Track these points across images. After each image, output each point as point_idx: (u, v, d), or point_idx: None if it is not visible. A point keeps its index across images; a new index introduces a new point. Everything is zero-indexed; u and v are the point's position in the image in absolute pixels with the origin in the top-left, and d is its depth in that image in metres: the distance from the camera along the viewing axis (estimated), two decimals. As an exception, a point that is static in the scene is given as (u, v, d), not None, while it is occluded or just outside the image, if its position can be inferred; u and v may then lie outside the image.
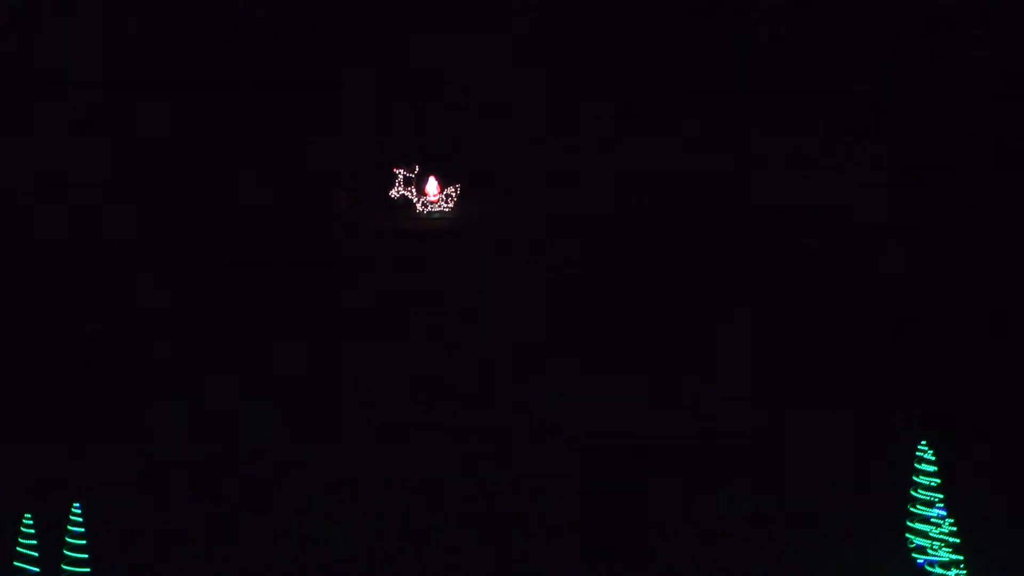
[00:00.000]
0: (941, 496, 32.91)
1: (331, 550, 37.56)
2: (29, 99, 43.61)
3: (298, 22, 44.11)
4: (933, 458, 33.02)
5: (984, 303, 39.16)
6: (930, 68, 41.41)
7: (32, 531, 34.52)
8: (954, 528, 32.78)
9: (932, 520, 32.94)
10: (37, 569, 34.50)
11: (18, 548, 34.50)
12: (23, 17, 43.78)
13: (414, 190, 43.46)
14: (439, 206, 43.44)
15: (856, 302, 39.99)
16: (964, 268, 39.78)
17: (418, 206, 43.47)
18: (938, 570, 32.74)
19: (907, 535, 33.23)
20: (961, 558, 32.66)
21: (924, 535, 32.97)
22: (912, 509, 33.14)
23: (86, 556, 34.37)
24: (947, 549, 32.77)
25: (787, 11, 42.72)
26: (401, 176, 43.40)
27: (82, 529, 34.28)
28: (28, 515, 34.54)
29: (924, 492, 33.08)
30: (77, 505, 34.35)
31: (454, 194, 43.44)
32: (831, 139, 41.95)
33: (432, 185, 43.50)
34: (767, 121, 42.23)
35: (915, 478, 33.20)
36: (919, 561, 33.09)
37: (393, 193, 43.50)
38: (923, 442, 33.24)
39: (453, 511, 38.21)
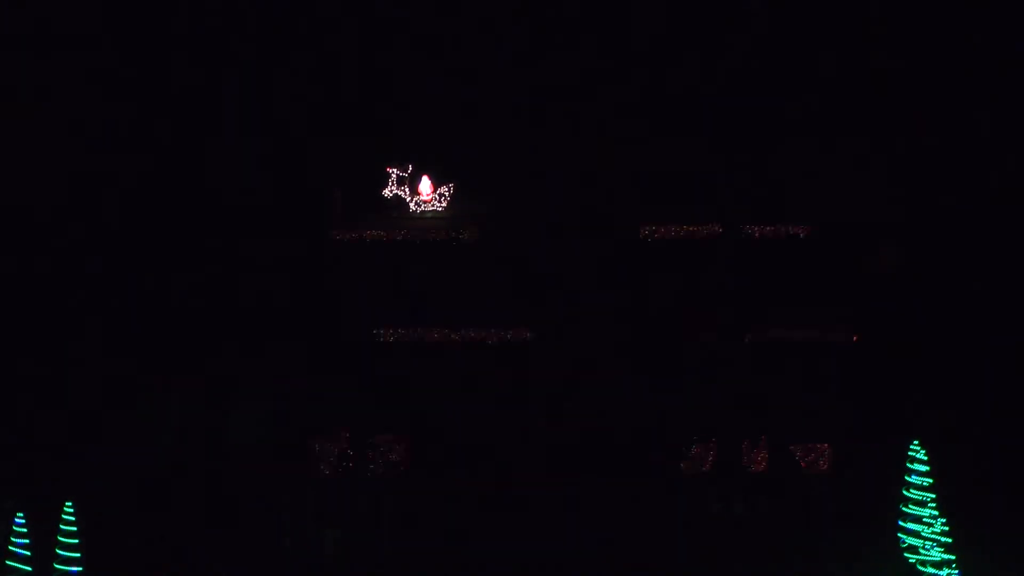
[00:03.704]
0: (933, 496, 32.90)
1: (323, 551, 37.53)
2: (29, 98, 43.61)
3: (291, 20, 44.07)
4: (925, 457, 33.02)
5: (976, 302, 39.19)
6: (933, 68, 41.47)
7: (24, 530, 34.45)
8: (946, 528, 32.77)
9: (924, 520, 32.93)
10: (29, 568, 34.43)
11: (10, 547, 34.42)
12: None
13: (407, 189, 43.39)
14: (432, 206, 43.36)
15: (849, 301, 40.02)
16: (956, 267, 39.80)
17: (411, 206, 43.39)
18: (930, 570, 32.74)
19: (899, 535, 33.21)
20: (953, 558, 32.66)
21: (916, 535, 32.96)
22: (904, 509, 33.14)
23: (79, 555, 34.31)
24: (939, 549, 32.77)
25: (786, 10, 42.72)
26: (394, 175, 43.32)
27: (75, 528, 34.20)
28: (20, 514, 34.47)
29: (916, 492, 33.06)
30: (69, 504, 34.28)
31: (447, 194, 43.37)
32: (830, 139, 42.01)
33: (425, 184, 43.42)
34: (766, 121, 42.24)
35: (907, 478, 33.19)
36: (910, 560, 33.10)
37: (386, 193, 43.41)
38: (915, 441, 33.24)
39: (447, 512, 38.19)
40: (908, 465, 33.26)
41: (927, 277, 39.87)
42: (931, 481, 33.01)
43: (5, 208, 42.61)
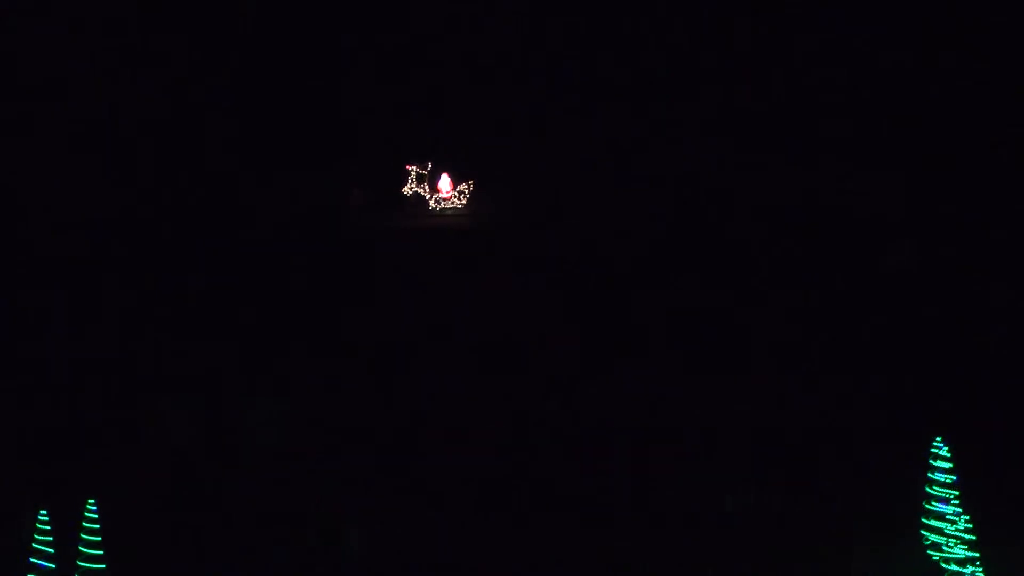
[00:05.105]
0: (956, 493, 32.81)
1: (345, 548, 37.55)
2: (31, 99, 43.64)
3: (311, 19, 44.10)
4: (948, 455, 32.93)
5: (999, 299, 39.14)
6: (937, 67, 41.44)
7: (48, 527, 34.56)
8: (970, 525, 32.69)
9: (947, 517, 32.84)
10: (53, 565, 34.54)
11: (34, 544, 34.54)
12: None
13: (427, 187, 43.41)
14: (452, 203, 43.38)
15: (871, 298, 39.98)
16: (978, 264, 39.75)
17: (431, 203, 43.42)
18: (954, 567, 32.66)
19: (922, 532, 33.14)
20: (977, 555, 32.58)
21: (939, 532, 32.86)
22: (927, 506, 33.06)
23: (101, 552, 34.40)
24: (963, 546, 32.67)
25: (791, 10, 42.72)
26: (414, 173, 43.37)
27: (97, 525, 34.30)
28: (44, 511, 34.58)
29: (939, 489, 32.95)
30: (92, 502, 34.39)
31: (467, 191, 43.39)
32: (839, 137, 41.98)
33: (445, 182, 43.45)
34: (774, 119, 42.25)
35: (930, 475, 33.10)
36: (934, 557, 33.01)
37: (406, 190, 43.46)
38: (938, 439, 33.16)
39: (465, 509, 38.20)
40: (931, 462, 33.15)
41: (949, 273, 39.85)
42: (954, 478, 32.91)
43: (20, 210, 42.74)
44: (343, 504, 37.95)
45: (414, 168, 43.32)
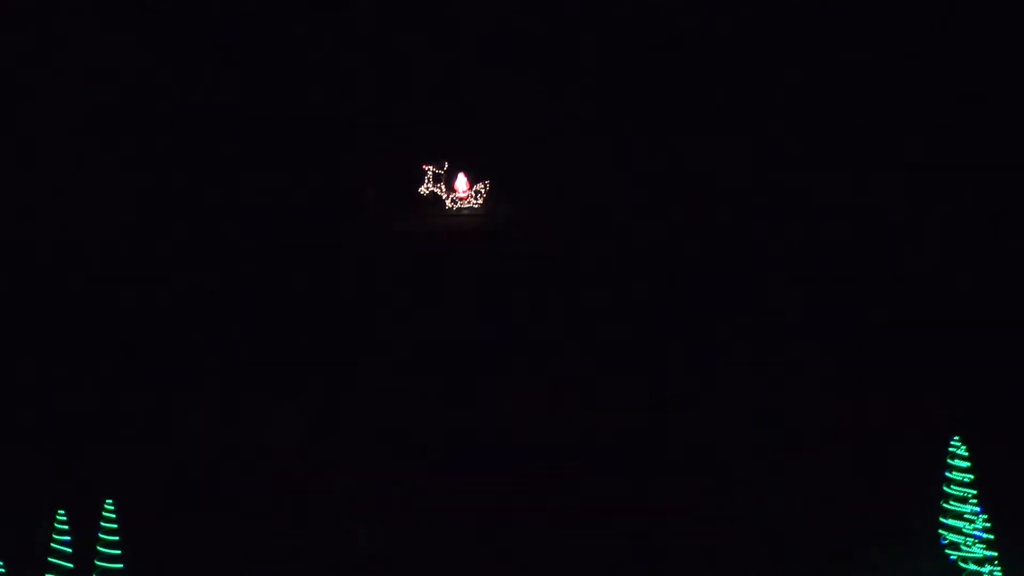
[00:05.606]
0: (974, 492, 32.78)
1: (356, 548, 37.62)
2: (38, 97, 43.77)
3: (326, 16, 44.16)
4: (966, 453, 32.90)
5: (1018, 296, 39.04)
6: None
7: (66, 527, 34.72)
8: (988, 524, 32.65)
9: (965, 516, 32.81)
10: (71, 565, 34.69)
11: (52, 544, 34.70)
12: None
13: (443, 186, 43.44)
14: (468, 203, 43.40)
15: (888, 295, 39.92)
16: (996, 261, 39.66)
17: (447, 203, 43.44)
18: (972, 566, 32.62)
19: (940, 531, 33.10)
20: (995, 554, 32.55)
21: (957, 531, 32.84)
22: (945, 505, 33.04)
23: (119, 552, 34.55)
24: (981, 545, 32.65)
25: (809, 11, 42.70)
26: (430, 172, 43.41)
27: (115, 525, 34.45)
28: (62, 511, 34.74)
29: (957, 488, 32.94)
30: (110, 501, 34.53)
31: (483, 190, 43.40)
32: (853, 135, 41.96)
33: (461, 181, 43.47)
34: (792, 117, 42.22)
35: (948, 474, 33.09)
36: (952, 557, 32.98)
37: (422, 190, 43.50)
38: (956, 437, 33.13)
39: (477, 509, 38.23)
40: (949, 461, 33.14)
41: (968, 271, 39.77)
42: (972, 477, 32.88)
43: (44, 211, 42.90)
44: (355, 505, 38.04)
45: (430, 167, 43.35)
